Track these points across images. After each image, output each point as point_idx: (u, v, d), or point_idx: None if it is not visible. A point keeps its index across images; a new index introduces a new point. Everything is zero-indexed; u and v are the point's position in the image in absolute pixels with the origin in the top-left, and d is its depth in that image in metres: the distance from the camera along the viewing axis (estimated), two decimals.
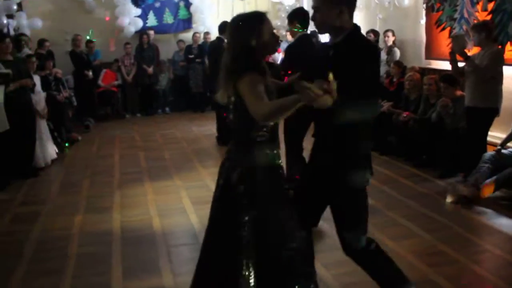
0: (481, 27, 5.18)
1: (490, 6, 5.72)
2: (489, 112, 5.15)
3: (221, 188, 2.52)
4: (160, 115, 10.28)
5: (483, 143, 5.28)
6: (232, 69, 2.34)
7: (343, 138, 2.40)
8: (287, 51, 4.92)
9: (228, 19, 9.19)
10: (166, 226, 4.33)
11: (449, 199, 4.78)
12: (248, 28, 2.35)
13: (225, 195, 2.49)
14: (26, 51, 6.90)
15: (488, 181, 4.81)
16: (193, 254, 3.73)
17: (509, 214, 4.47)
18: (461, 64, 5.18)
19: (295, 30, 4.65)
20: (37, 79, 6.38)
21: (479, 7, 5.95)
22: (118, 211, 4.72)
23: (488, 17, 5.70)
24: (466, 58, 4.98)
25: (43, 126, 6.34)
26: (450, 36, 5.21)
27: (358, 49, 2.37)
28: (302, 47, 4.55)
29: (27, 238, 4.15)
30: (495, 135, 5.99)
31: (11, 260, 3.75)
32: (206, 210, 4.59)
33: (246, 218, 2.38)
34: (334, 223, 2.58)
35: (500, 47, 5.48)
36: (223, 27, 6.71)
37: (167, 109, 10.44)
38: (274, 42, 2.46)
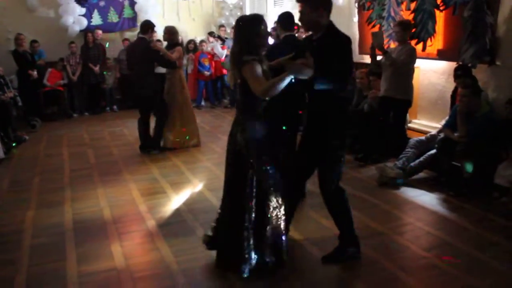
0: (406, 25, 5.72)
1: (413, 5, 6.27)
2: (403, 102, 5.70)
3: (232, 153, 3.30)
4: (108, 113, 10.35)
5: (403, 131, 5.84)
6: (238, 58, 3.13)
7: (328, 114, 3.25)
8: (268, 50, 5.18)
9: (173, 18, 9.49)
10: (116, 216, 4.57)
11: (378, 181, 5.26)
12: (251, 27, 3.18)
13: (237, 159, 3.26)
14: None
15: (413, 164, 5.35)
16: (142, 239, 4.06)
17: (431, 192, 5.02)
18: (379, 58, 5.69)
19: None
20: None
21: (403, 6, 6.50)
22: (69, 205, 4.90)
23: (411, 16, 6.25)
24: (385, 53, 5.50)
25: None
26: (371, 33, 5.69)
27: (335, 41, 3.13)
28: (284, 48, 4.85)
29: None
30: (421, 122, 6.60)
31: None
32: (155, 200, 4.95)
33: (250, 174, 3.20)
34: (318, 171, 3.43)
35: (421, 43, 6.06)
36: (145, 26, 6.62)
37: (115, 107, 10.51)
38: (267, 38, 3.40)
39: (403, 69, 5.53)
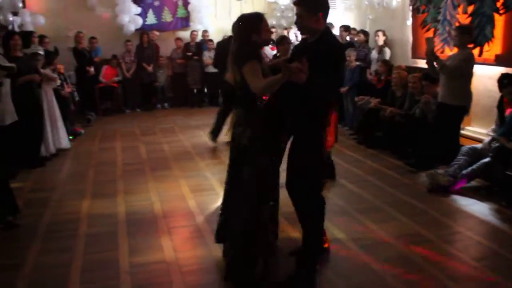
0: (465, 29, 5.53)
1: (470, 9, 6.11)
2: (458, 109, 5.53)
3: (236, 150, 3.31)
4: (159, 110, 10.65)
5: (456, 138, 5.68)
6: (238, 57, 3.12)
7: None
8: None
9: (226, 19, 9.73)
10: (166, 210, 4.71)
11: (428, 188, 5.17)
12: (250, 25, 3.15)
13: (239, 156, 3.26)
14: (34, 47, 7.23)
15: (464, 172, 5.22)
16: (191, 234, 4.18)
17: (483, 201, 4.87)
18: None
19: None
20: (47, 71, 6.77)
21: (460, 9, 6.34)
22: (122, 197, 5.09)
23: (468, 20, 6.09)
24: (436, 58, 5.36)
25: (52, 117, 6.69)
26: (425, 38, 5.59)
27: (326, 47, 3.09)
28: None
29: (40, 220, 4.52)
30: (475, 130, 6.42)
31: (26, 239, 4.13)
32: (204, 197, 5.09)
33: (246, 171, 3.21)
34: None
35: (478, 48, 5.89)
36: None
37: (166, 104, 10.80)
38: (269, 37, 3.31)
39: (457, 74, 5.37)
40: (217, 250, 3.79)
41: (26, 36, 7.06)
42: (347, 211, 4.61)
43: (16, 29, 8.72)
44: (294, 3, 3.19)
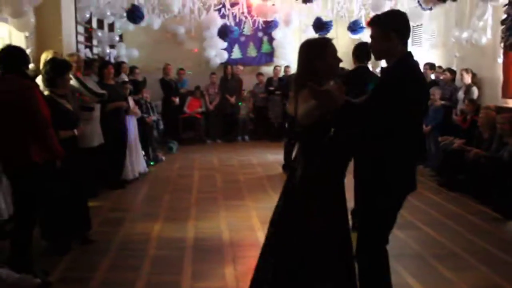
0: None
1: None
2: None
3: (285, 193, 2.95)
4: (239, 142, 10.88)
5: None
6: (296, 84, 2.77)
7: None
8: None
9: None
10: (234, 240, 4.70)
11: None
12: (313, 50, 2.77)
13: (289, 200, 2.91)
14: (123, 77, 7.74)
15: None
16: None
17: None
18: None
19: None
20: (131, 101, 7.15)
21: None
22: (192, 223, 5.17)
23: None
24: None
25: (135, 143, 7.04)
26: None
27: (396, 77, 2.62)
28: (353, 78, 4.84)
29: (113, 239, 4.70)
30: None
31: (99, 255, 4.29)
32: None
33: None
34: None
35: None
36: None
37: (246, 137, 11.00)
38: (336, 65, 2.81)
39: None
40: None
41: (117, 66, 7.58)
42: (421, 256, 4.32)
43: (112, 60, 9.40)
44: (368, 24, 2.98)
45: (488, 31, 7.25)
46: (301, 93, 2.68)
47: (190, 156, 9.07)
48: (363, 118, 2.62)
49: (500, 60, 7.17)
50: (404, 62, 2.68)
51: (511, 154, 5.65)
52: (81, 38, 8.33)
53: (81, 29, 8.35)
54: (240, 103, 10.71)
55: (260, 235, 4.80)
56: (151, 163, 8.01)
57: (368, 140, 2.69)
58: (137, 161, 7.11)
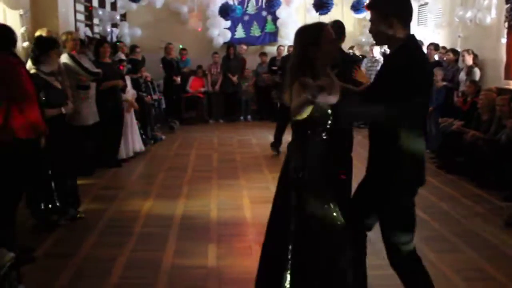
0: None
1: None
2: None
3: (282, 184, 2.84)
4: (241, 122, 10.85)
5: None
6: (291, 73, 2.62)
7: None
8: None
9: None
10: (221, 218, 4.71)
11: (505, 221, 4.67)
12: (306, 37, 2.61)
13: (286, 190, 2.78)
14: (120, 55, 7.71)
15: None
16: (239, 244, 4.12)
17: None
18: None
19: None
20: (128, 80, 7.13)
21: None
22: (182, 201, 5.19)
23: None
24: None
25: (130, 122, 7.04)
26: None
27: (400, 62, 2.45)
28: None
29: (102, 216, 4.74)
30: None
31: (85, 232, 4.34)
32: (262, 209, 4.99)
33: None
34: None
35: None
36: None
37: (249, 117, 10.96)
38: (333, 50, 2.66)
39: None
40: None
41: (115, 45, 7.55)
42: None
43: (114, 39, 9.37)
44: (366, 7, 2.79)
45: (492, 11, 7.08)
46: (294, 85, 2.55)
47: (190, 136, 9.07)
48: (366, 107, 2.53)
49: (504, 40, 7.00)
50: (406, 48, 2.50)
51: (509, 137, 5.53)
52: (81, 17, 8.31)
53: (81, 7, 8.32)
54: (243, 83, 10.63)
55: (248, 214, 4.82)
56: (151, 141, 8.03)
57: (378, 131, 2.59)
58: (133, 140, 7.11)
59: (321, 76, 2.56)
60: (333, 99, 2.44)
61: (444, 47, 8.28)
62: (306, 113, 2.45)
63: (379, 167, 2.61)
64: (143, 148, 7.36)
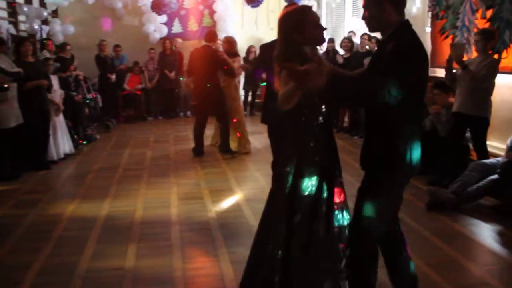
0: (491, 35, 5.10)
1: (489, 13, 5.70)
2: (479, 120, 5.12)
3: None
4: (181, 118, 10.69)
5: (484, 152, 5.24)
6: (280, 61, 2.54)
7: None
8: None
9: (252, 27, 9.62)
10: (145, 217, 4.60)
11: (427, 205, 4.79)
12: (290, 22, 2.55)
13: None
14: (45, 53, 7.41)
15: (469, 189, 4.80)
16: (159, 243, 4.04)
17: (488, 222, 4.44)
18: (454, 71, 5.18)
19: None
20: (54, 79, 6.86)
21: (478, 15, 5.93)
22: (108, 202, 5.04)
23: (487, 25, 5.68)
24: (464, 67, 4.93)
25: (59, 123, 6.79)
26: (450, 44, 5.24)
27: (395, 45, 2.40)
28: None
29: (22, 221, 4.54)
30: (492, 144, 5.94)
31: (1, 239, 4.13)
32: (188, 206, 4.95)
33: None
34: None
35: (496, 55, 5.45)
36: (213, 35, 6.89)
37: (188, 112, 10.82)
38: (318, 34, 2.59)
39: (482, 83, 4.99)
40: (178, 262, 3.64)
41: (42, 43, 7.25)
42: None
43: (44, 36, 8.98)
44: None
45: (417, 0, 7.24)
46: (282, 73, 2.48)
47: (126, 134, 8.87)
48: (358, 92, 2.48)
49: (428, 29, 7.18)
50: (400, 34, 2.46)
51: (432, 123, 5.69)
52: (3, 14, 7.92)
53: (3, 4, 7.93)
54: (181, 78, 10.49)
55: (174, 212, 4.74)
56: (84, 142, 7.78)
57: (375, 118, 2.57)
58: (63, 141, 6.87)
59: (307, 61, 2.45)
60: (321, 82, 2.31)
61: (375, 37, 8.42)
62: (294, 101, 2.38)
63: (375, 153, 2.61)
64: (73, 149, 7.11)
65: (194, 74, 6.88)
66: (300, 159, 2.60)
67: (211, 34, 6.87)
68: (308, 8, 2.63)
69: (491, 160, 5.07)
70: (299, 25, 2.51)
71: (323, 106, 2.60)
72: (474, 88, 5.00)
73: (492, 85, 5.11)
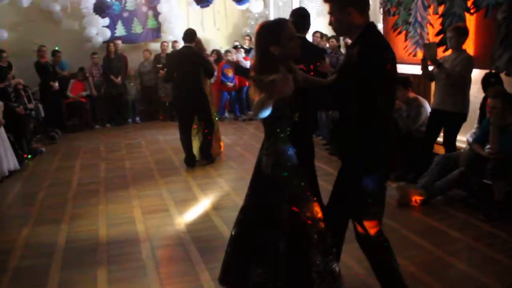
0: (463, 31, 5.10)
1: (441, 9, 5.79)
2: (457, 116, 5.15)
3: (256, 178, 2.80)
4: (130, 125, 10.24)
5: (453, 146, 5.30)
6: (258, 72, 2.56)
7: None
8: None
9: (198, 29, 9.13)
10: (111, 236, 4.29)
11: (398, 202, 4.79)
12: (267, 35, 2.60)
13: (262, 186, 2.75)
14: None
15: (438, 183, 4.85)
16: (133, 263, 3.75)
17: (458, 215, 4.51)
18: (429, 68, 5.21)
19: None
20: None
21: (430, 10, 6.01)
22: (66, 223, 4.66)
23: (439, 20, 5.76)
24: (439, 65, 4.95)
25: (0, 138, 6.26)
26: (423, 44, 5.27)
27: (361, 48, 2.43)
28: None
29: None
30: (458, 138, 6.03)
31: None
32: (154, 219, 4.67)
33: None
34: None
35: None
36: (192, 35, 6.53)
37: (137, 118, 10.40)
38: (293, 47, 2.61)
39: (458, 80, 5.00)
40: (155, 284, 3.38)
41: None
42: None
43: None
44: (324, 0, 2.64)
45: None
46: (253, 85, 2.57)
47: (74, 145, 8.35)
48: (334, 98, 2.61)
49: (380, 25, 7.24)
50: (366, 36, 2.51)
51: (396, 119, 5.70)
52: None
53: None
54: (128, 83, 10.06)
55: (140, 228, 4.46)
56: (29, 156, 7.25)
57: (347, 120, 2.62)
58: (5, 157, 6.33)
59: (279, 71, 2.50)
60: (288, 91, 2.37)
61: (326, 35, 8.42)
62: (267, 111, 2.39)
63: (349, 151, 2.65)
64: (17, 165, 6.57)
65: (175, 77, 6.53)
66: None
67: (190, 35, 6.54)
68: (285, 21, 2.69)
69: (453, 153, 5.14)
70: (275, 39, 2.56)
71: (296, 115, 2.69)
72: (450, 84, 5.03)
73: (468, 81, 5.11)
